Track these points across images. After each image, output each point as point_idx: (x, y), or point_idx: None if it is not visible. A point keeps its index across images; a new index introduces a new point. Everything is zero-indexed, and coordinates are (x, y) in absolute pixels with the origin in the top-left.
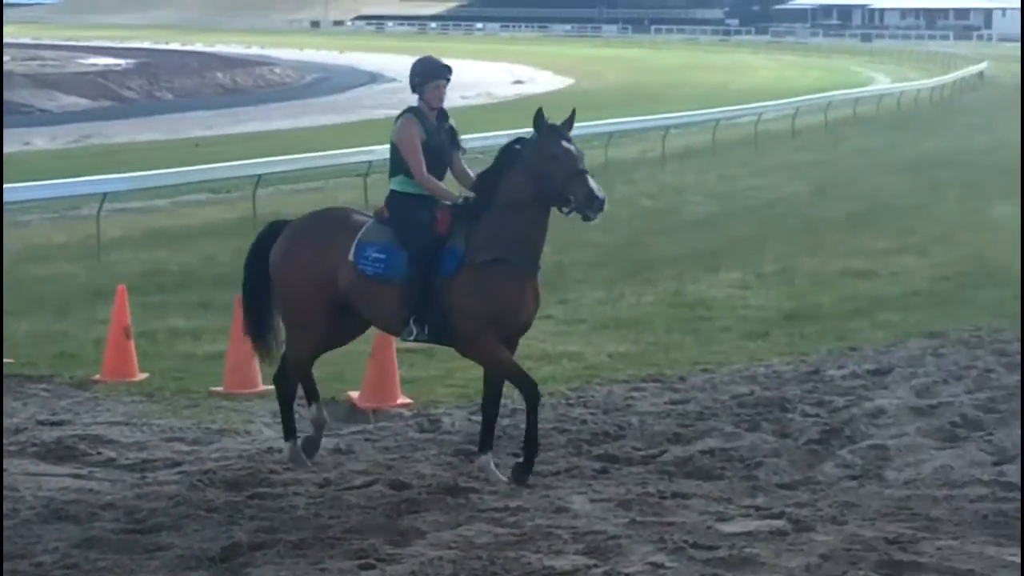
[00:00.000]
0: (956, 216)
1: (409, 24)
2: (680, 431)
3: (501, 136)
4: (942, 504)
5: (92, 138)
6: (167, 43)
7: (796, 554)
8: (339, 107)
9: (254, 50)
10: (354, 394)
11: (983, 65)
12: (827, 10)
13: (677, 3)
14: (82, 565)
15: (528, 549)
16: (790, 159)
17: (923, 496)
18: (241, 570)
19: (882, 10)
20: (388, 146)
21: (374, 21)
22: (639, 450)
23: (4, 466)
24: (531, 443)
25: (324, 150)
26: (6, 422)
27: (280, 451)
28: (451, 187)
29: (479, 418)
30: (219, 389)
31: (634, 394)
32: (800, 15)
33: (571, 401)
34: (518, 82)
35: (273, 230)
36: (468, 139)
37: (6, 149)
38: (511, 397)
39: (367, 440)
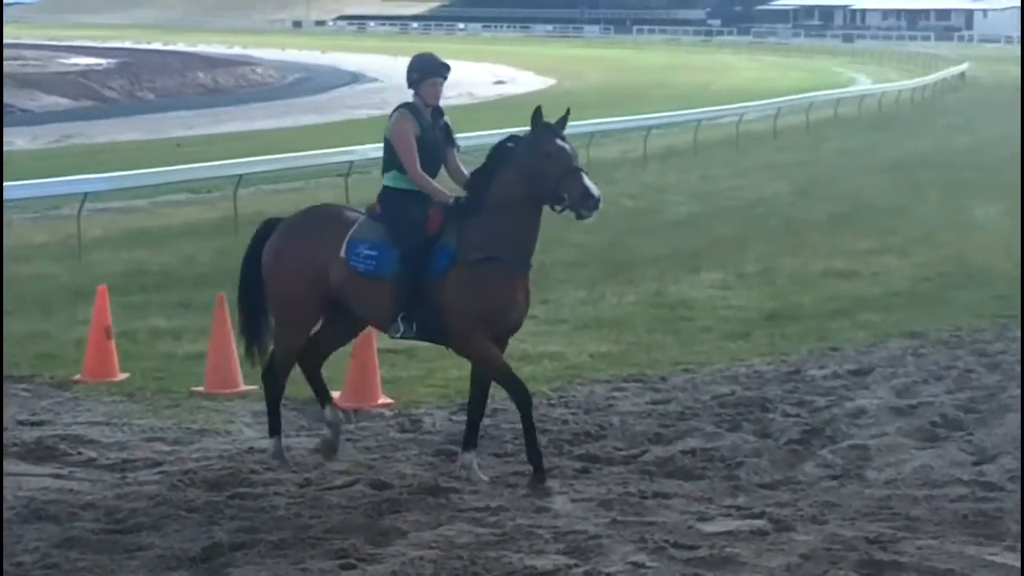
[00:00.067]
0: (937, 217)
1: (391, 24)
2: (661, 431)
3: (483, 136)
4: (922, 504)
5: (73, 138)
6: (149, 43)
7: (777, 554)
8: (321, 107)
9: (236, 50)
10: (335, 394)
11: (964, 66)
12: (809, 11)
13: (659, 3)
14: (62, 565)
15: (509, 549)
16: (772, 159)
17: (903, 496)
18: (222, 570)
19: (863, 11)
20: (369, 146)
21: (356, 21)
22: (620, 450)
23: None
24: (533, 449)
25: (305, 150)
26: None
27: (261, 451)
28: (445, 184)
29: (460, 418)
30: (200, 389)
31: (615, 394)
32: (782, 16)
33: (552, 401)
34: (500, 82)
35: (268, 229)
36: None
37: None
38: (493, 396)
39: (348, 440)
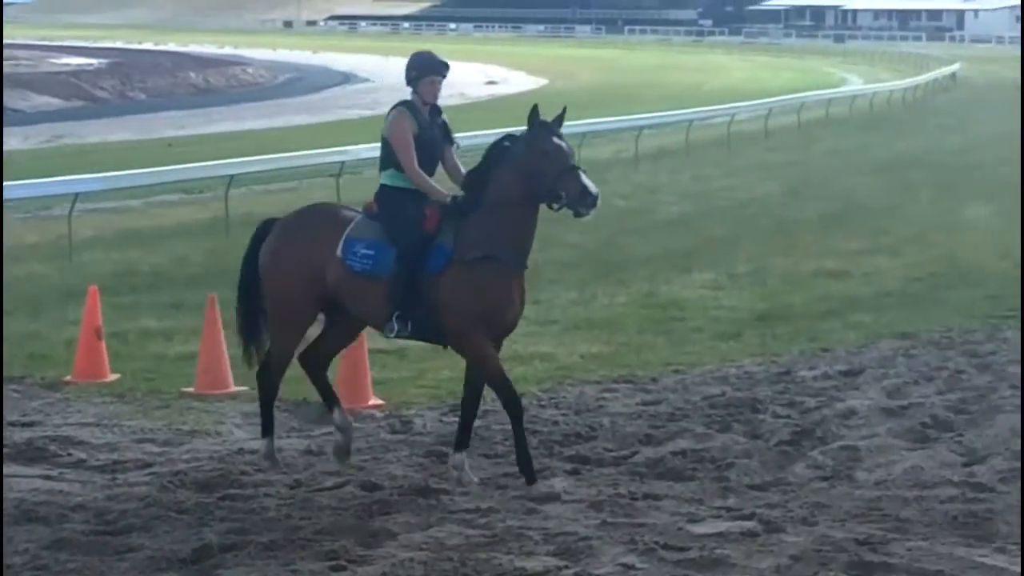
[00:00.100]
0: (928, 217)
1: (382, 24)
2: (652, 432)
3: (475, 136)
4: (912, 505)
5: (64, 138)
6: (140, 43)
7: (767, 555)
8: (312, 107)
9: (227, 50)
10: None
11: (955, 66)
12: (800, 11)
13: (650, 4)
14: (52, 567)
15: (499, 550)
16: (763, 160)
17: (893, 497)
18: (212, 571)
19: (855, 11)
20: (360, 147)
21: (347, 21)
22: (611, 451)
23: None
24: (523, 456)
25: (297, 150)
26: None
27: (251, 452)
28: (442, 183)
29: (451, 419)
30: (190, 390)
31: (606, 395)
32: (773, 16)
33: (543, 402)
34: (491, 82)
35: (266, 229)
36: None
37: None
38: (485, 398)
39: None
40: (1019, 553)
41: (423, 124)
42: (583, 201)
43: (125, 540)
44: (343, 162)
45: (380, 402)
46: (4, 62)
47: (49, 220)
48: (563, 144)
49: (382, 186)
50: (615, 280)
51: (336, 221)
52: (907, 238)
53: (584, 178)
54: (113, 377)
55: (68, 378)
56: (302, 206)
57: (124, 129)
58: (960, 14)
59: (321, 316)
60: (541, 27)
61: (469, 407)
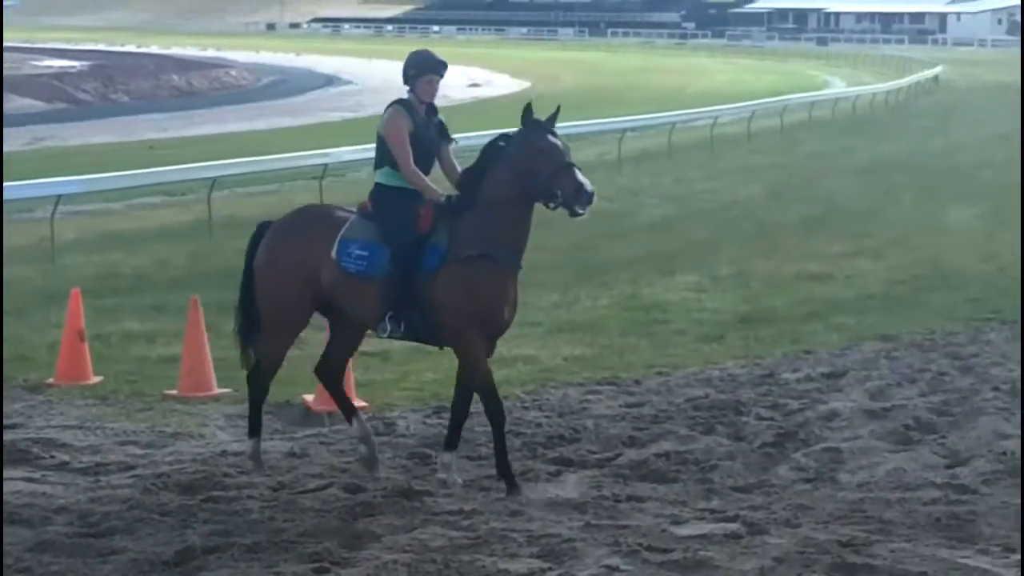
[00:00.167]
0: (911, 219)
1: (365, 27)
2: (635, 434)
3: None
4: (895, 507)
5: (46, 140)
6: (122, 45)
7: (750, 557)
8: (295, 110)
9: (210, 52)
10: (309, 397)
11: (938, 69)
12: (783, 14)
13: (633, 6)
14: (35, 569)
15: (483, 552)
16: (746, 162)
17: (876, 499)
18: (195, 574)
19: (838, 14)
20: (343, 149)
21: (330, 24)
22: (594, 453)
23: None
24: (503, 463)
25: (280, 153)
26: None
27: (234, 454)
28: (439, 183)
29: (434, 421)
30: (173, 392)
31: (589, 397)
32: (756, 19)
33: (526, 404)
34: (474, 85)
35: (262, 231)
36: None
37: None
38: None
39: (321, 443)
40: (1001, 555)
41: (419, 123)
42: (579, 199)
43: (108, 542)
44: (326, 164)
45: (363, 404)
46: None
47: (31, 222)
48: (558, 142)
49: (377, 185)
50: (598, 283)
51: (330, 222)
52: (890, 241)
53: (580, 176)
54: (96, 379)
55: (51, 380)
56: (298, 207)
57: (106, 131)
58: (942, 17)
59: (323, 322)
60: (524, 30)
61: (460, 408)
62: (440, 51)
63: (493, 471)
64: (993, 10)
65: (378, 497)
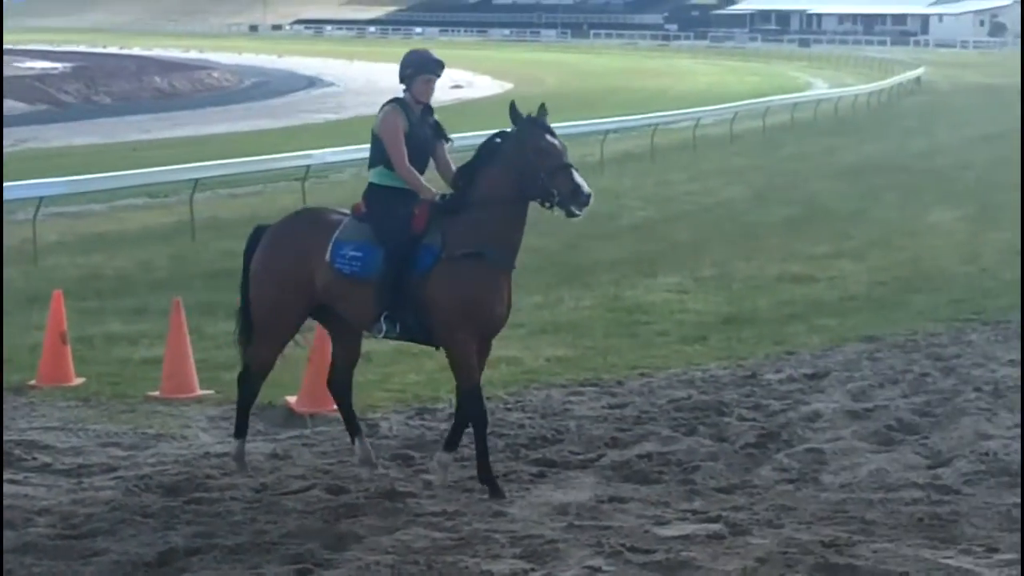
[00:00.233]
0: (893, 221)
1: (348, 28)
2: (618, 435)
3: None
4: (877, 507)
5: (29, 142)
6: (105, 47)
7: (733, 557)
8: (277, 111)
9: (192, 54)
10: (291, 399)
11: (920, 70)
12: (765, 15)
13: (616, 8)
14: (17, 571)
15: (466, 553)
16: (728, 164)
17: (859, 499)
18: (177, 575)
19: (820, 15)
20: (326, 151)
21: (313, 25)
22: (577, 454)
23: None
24: (484, 468)
25: (262, 154)
26: None
27: (217, 456)
28: (434, 182)
29: (417, 423)
30: (156, 394)
31: (572, 398)
32: (739, 20)
33: (509, 405)
34: (457, 87)
35: (258, 235)
36: None
37: None
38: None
39: (304, 445)
40: (984, 555)
41: (414, 122)
42: (575, 200)
43: (90, 544)
44: (308, 166)
45: None
46: None
47: (14, 224)
48: (556, 141)
49: (370, 185)
50: (581, 284)
51: (324, 225)
52: (872, 242)
53: (577, 176)
54: (78, 381)
55: (33, 382)
56: (293, 211)
57: (89, 133)
58: (925, 19)
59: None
60: (506, 31)
61: (462, 410)
62: None
63: (476, 472)
64: (975, 12)
65: (361, 498)
